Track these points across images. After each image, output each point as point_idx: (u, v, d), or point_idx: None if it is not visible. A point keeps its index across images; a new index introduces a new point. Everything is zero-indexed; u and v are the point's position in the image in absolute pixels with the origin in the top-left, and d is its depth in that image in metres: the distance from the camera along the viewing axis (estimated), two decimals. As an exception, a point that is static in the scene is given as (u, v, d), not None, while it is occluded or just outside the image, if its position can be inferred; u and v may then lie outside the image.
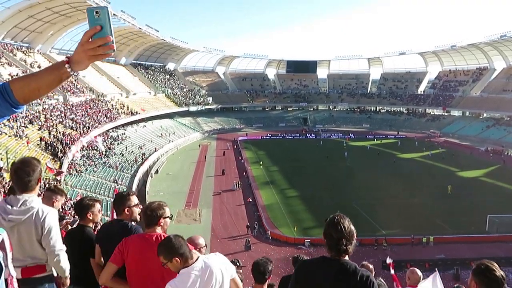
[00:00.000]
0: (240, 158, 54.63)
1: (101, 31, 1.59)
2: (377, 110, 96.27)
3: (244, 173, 45.91)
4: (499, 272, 2.37)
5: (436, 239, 26.57)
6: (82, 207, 3.84)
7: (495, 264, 2.44)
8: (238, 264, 5.48)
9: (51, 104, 43.72)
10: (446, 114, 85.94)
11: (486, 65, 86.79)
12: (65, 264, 2.89)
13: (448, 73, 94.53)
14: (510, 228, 27.16)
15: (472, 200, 34.44)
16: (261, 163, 51.11)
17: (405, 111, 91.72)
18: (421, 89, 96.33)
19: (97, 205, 3.92)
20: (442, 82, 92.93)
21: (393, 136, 74.13)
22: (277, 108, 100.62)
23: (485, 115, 78.24)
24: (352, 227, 2.45)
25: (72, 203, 22.06)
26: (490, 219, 28.18)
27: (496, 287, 2.37)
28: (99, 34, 1.59)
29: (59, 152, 33.27)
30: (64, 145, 35.07)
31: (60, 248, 2.80)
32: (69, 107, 46.74)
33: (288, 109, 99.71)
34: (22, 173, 2.60)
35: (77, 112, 46.86)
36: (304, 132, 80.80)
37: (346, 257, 2.43)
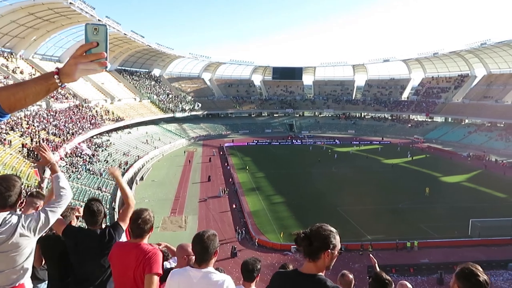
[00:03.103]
0: (226, 164, 54.51)
1: (96, 47, 1.61)
2: (362, 116, 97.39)
3: (230, 180, 45.80)
4: (483, 277, 2.32)
5: (421, 244, 26.87)
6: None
7: (479, 268, 2.38)
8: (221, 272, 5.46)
9: (34, 110, 43.02)
10: (429, 120, 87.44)
11: (467, 72, 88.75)
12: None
13: (430, 80, 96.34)
14: (492, 232, 27.66)
15: (454, 205, 34.96)
16: (248, 168, 51.12)
17: (389, 117, 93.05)
18: (405, 95, 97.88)
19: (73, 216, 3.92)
20: (425, 89, 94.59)
21: (378, 142, 75.07)
22: (263, 115, 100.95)
23: (467, 121, 79.89)
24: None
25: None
26: (473, 223, 28.66)
27: None
28: (94, 50, 1.61)
29: (42, 159, 32.65)
30: (47, 152, 34.45)
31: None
32: (52, 113, 46.05)
33: (274, 115, 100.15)
34: (2, 188, 2.54)
35: (61, 119, 46.19)
36: (290, 138, 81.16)
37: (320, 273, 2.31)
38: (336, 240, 2.32)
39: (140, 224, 3.10)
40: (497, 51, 76.65)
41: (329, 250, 2.28)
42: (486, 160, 56.80)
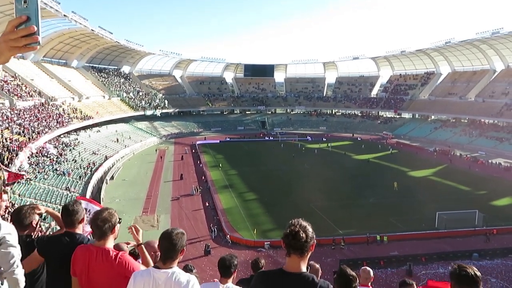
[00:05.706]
0: (198, 162, 54.11)
1: (26, 22, 1.49)
2: (333, 113, 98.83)
3: (203, 177, 45.53)
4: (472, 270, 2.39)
5: (390, 237, 27.59)
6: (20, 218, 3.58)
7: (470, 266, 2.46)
8: (192, 269, 5.47)
9: (-4, 109, 41.29)
10: (397, 116, 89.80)
11: (433, 69, 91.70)
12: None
13: (398, 77, 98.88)
14: (457, 224, 28.73)
15: (422, 199, 36.08)
16: (220, 166, 51.00)
17: (359, 114, 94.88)
18: (374, 92, 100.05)
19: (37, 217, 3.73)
20: (393, 86, 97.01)
21: (348, 138, 76.50)
22: (235, 112, 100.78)
23: (433, 117, 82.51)
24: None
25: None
26: (439, 216, 29.65)
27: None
28: (24, 25, 1.50)
29: (5, 160, 31.43)
30: (11, 152, 33.19)
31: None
32: (16, 111, 44.29)
33: (246, 112, 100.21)
34: None
35: (25, 117, 44.51)
36: (262, 135, 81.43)
37: (302, 267, 2.36)
38: None
39: (99, 224, 2.92)
40: (460, 49, 79.64)
41: (314, 241, 2.36)
42: (451, 154, 58.86)
